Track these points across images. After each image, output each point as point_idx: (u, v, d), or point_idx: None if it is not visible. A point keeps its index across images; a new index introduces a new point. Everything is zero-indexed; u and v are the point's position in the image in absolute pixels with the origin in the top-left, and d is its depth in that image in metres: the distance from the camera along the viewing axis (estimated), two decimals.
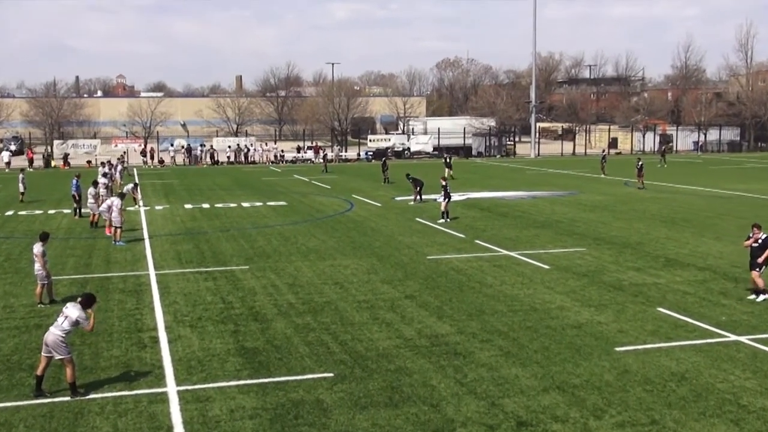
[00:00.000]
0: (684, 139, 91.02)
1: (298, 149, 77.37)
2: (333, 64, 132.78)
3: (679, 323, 16.38)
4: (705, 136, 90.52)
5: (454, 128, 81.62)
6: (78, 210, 33.38)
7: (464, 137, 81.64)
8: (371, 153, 77.68)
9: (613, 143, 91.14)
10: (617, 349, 14.77)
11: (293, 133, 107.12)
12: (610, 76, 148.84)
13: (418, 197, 37.71)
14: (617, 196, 41.00)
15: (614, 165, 63.67)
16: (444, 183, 31.65)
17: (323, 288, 19.76)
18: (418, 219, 32.16)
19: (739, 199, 39.26)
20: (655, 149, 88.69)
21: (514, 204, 37.56)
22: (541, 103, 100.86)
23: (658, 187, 45.62)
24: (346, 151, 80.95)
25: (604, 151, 59.46)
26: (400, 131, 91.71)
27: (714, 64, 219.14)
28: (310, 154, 75.46)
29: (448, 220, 31.15)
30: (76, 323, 12.53)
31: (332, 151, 73.78)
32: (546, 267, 22.19)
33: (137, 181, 42.53)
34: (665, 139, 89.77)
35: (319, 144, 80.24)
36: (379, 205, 37.39)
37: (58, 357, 12.41)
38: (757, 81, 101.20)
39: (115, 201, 27.21)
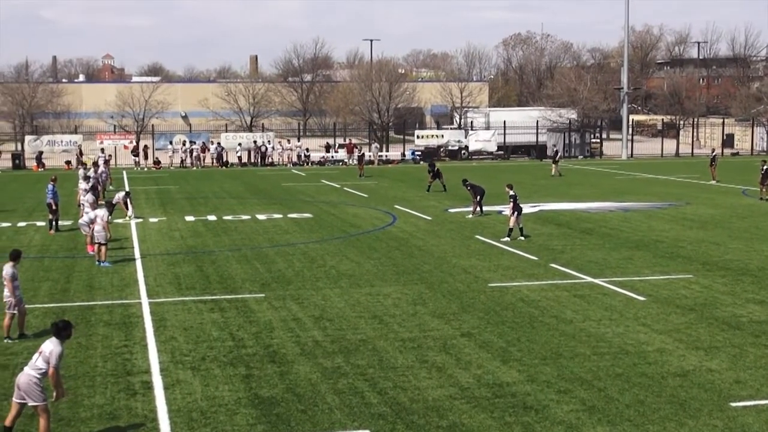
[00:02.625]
0: None
1: (327, 148, 77.85)
2: (371, 41, 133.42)
3: None
4: None
5: (524, 122, 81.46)
6: (54, 222, 33.92)
7: (537, 133, 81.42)
8: (419, 153, 77.83)
9: (727, 141, 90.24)
10: (733, 404, 14.55)
11: (321, 128, 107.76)
12: (724, 55, 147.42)
13: (478, 209, 37.69)
14: (734, 208, 40.54)
15: (729, 168, 62.97)
16: (512, 192, 31.59)
17: (358, 322, 19.80)
18: (477, 236, 32.12)
19: None
20: None
21: (601, 218, 37.32)
22: (635, 90, 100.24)
23: None
24: (387, 151, 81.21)
25: (714, 150, 58.96)
26: (455, 125, 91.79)
27: None
28: (342, 153, 75.86)
29: (521, 237, 31.07)
30: (52, 361, 12.54)
31: (370, 150, 74.08)
32: (641, 298, 21.99)
33: (128, 189, 42.98)
34: None
35: (354, 141, 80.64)
36: (428, 218, 37.43)
37: (31, 403, 12.53)
38: None
39: (100, 213, 27.59)
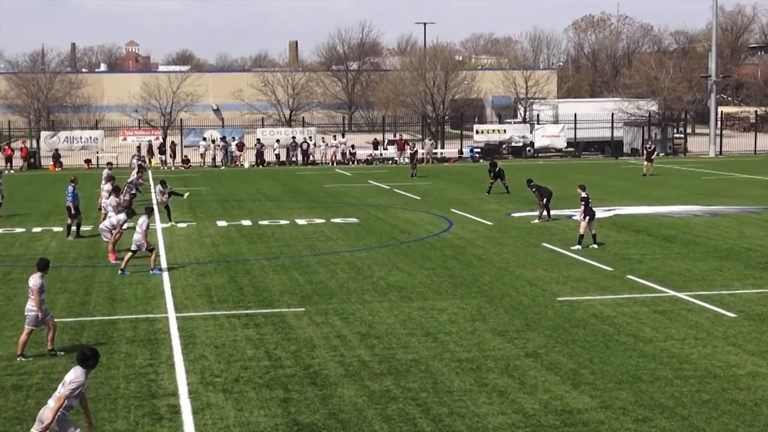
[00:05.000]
0: None
1: (375, 144, 78.06)
2: (425, 24, 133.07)
3: None
4: None
5: (597, 114, 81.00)
6: (71, 228, 34.35)
7: (612, 127, 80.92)
8: (478, 150, 77.74)
9: None
10: None
11: (369, 122, 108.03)
12: None
13: (545, 213, 37.57)
14: None
15: None
16: (584, 194, 31.43)
17: (409, 340, 19.83)
18: (544, 244, 32.02)
19: None
20: None
21: (685, 224, 37.03)
22: (724, 79, 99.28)
23: None
24: (443, 147, 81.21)
25: None
26: (519, 119, 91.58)
27: None
28: (391, 151, 76.00)
29: (594, 245, 30.92)
30: (66, 390, 12.70)
31: (423, 148, 74.16)
32: (731, 315, 21.77)
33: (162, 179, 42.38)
34: None
35: (406, 137, 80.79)
36: (489, 223, 37.39)
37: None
38: None
39: (122, 218, 28.49)
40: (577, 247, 30.86)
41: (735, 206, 42.53)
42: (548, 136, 79.79)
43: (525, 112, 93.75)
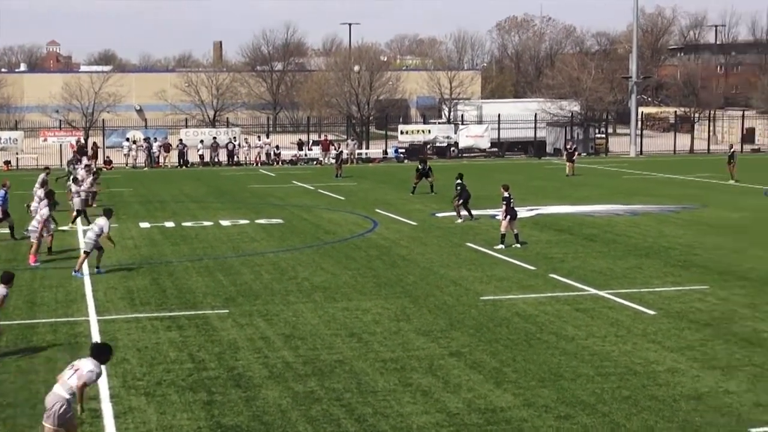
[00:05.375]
0: None
1: (300, 145, 77.92)
2: (350, 25, 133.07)
3: None
4: None
5: (520, 115, 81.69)
6: (7, 231, 33.70)
7: (535, 128, 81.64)
8: (403, 150, 77.93)
9: (747, 136, 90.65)
10: (753, 430, 14.66)
11: (294, 123, 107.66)
12: (744, 40, 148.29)
13: (465, 212, 37.62)
14: (755, 211, 40.78)
15: (750, 167, 63.31)
16: (506, 194, 31.63)
17: (334, 341, 19.82)
18: (468, 244, 32.19)
19: None
20: None
21: (606, 223, 37.47)
22: (644, 80, 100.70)
23: None
24: (367, 148, 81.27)
25: (732, 147, 59.17)
26: (444, 119, 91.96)
27: None
28: (316, 151, 75.87)
29: (517, 245, 31.18)
30: (84, 379, 12.94)
31: (348, 148, 74.17)
32: (651, 312, 22.09)
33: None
34: None
35: (331, 138, 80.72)
36: (413, 223, 37.49)
37: (47, 425, 12.72)
38: None
39: (44, 213, 28.23)
40: (500, 246, 31.07)
41: (655, 205, 43.14)
42: (472, 136, 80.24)
43: (449, 112, 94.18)
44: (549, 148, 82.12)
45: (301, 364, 18.17)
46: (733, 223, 37.14)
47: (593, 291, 24.51)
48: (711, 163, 68.54)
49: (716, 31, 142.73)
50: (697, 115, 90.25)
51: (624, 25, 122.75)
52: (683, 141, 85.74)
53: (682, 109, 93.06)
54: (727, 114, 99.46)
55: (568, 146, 63.41)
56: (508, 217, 31.43)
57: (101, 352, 13.49)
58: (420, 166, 49.14)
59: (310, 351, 19.05)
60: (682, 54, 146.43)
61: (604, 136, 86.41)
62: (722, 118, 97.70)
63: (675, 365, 17.94)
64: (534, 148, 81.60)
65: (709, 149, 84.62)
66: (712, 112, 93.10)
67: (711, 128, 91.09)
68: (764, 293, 24.16)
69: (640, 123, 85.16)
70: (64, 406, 12.69)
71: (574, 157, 61.42)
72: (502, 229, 31.55)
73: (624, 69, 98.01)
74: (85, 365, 13.10)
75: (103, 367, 13.52)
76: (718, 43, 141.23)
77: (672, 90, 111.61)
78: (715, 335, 20.10)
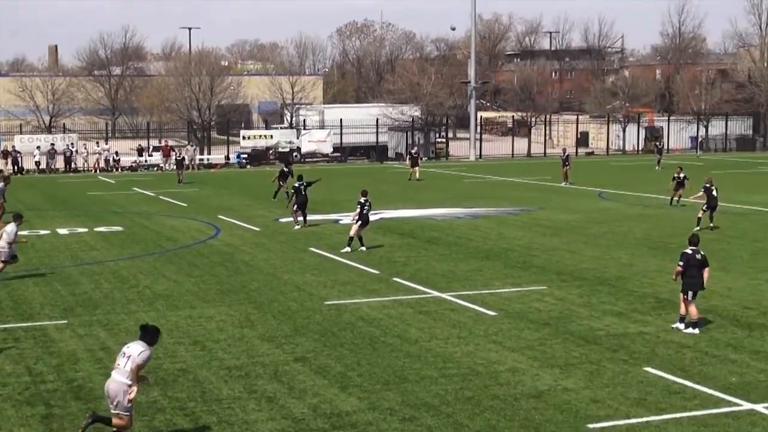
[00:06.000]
0: (678, 134, 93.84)
1: (140, 151, 76.65)
2: (190, 29, 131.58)
3: (673, 388, 16.83)
4: (706, 130, 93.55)
5: (362, 120, 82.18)
6: None
7: (377, 132, 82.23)
8: (245, 156, 77.47)
9: (582, 139, 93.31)
10: (590, 426, 15.05)
11: (133, 128, 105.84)
12: (577, 47, 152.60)
13: (300, 218, 37.05)
14: (589, 213, 41.95)
15: (584, 169, 65.15)
16: (362, 199, 31.75)
17: (176, 349, 19.54)
18: (312, 249, 32.20)
19: (753, 216, 40.64)
20: (640, 147, 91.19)
21: (447, 226, 37.98)
22: (483, 85, 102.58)
23: (645, 200, 46.87)
24: (209, 153, 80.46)
25: (566, 150, 60.73)
26: (286, 124, 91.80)
27: (717, 30, 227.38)
28: (157, 157, 74.75)
29: (363, 248, 31.40)
30: (138, 361, 13.68)
31: (189, 154, 73.29)
32: (492, 314, 22.47)
33: None
34: (653, 134, 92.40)
35: (171, 143, 79.61)
36: (256, 229, 37.29)
37: (114, 411, 13.61)
38: None
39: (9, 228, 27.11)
40: (346, 249, 31.19)
41: (494, 208, 43.96)
42: (315, 141, 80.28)
43: (291, 117, 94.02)
44: (391, 153, 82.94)
45: (143, 373, 17.84)
46: (569, 224, 38.13)
47: (436, 293, 24.81)
48: (547, 166, 70.25)
49: (551, 37, 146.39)
50: (533, 119, 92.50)
51: (462, 31, 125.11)
52: (521, 145, 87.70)
53: (520, 113, 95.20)
54: (563, 118, 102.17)
55: (413, 151, 64.07)
56: (359, 222, 31.57)
57: (148, 334, 14.08)
58: (285, 169, 48.70)
59: (152, 360, 18.71)
60: (519, 59, 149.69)
61: (444, 140, 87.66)
62: (558, 122, 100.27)
63: (515, 365, 18.30)
64: (376, 152, 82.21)
65: (545, 153, 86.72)
66: (547, 116, 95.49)
67: (547, 132, 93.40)
68: (599, 293, 24.89)
69: (479, 127, 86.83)
70: (124, 388, 13.55)
71: (419, 162, 62.13)
72: (352, 233, 31.69)
73: (463, 74, 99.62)
74: (136, 349, 13.78)
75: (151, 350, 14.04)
76: (552, 49, 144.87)
77: (509, 95, 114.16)
78: (553, 334, 20.60)
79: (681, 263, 20.82)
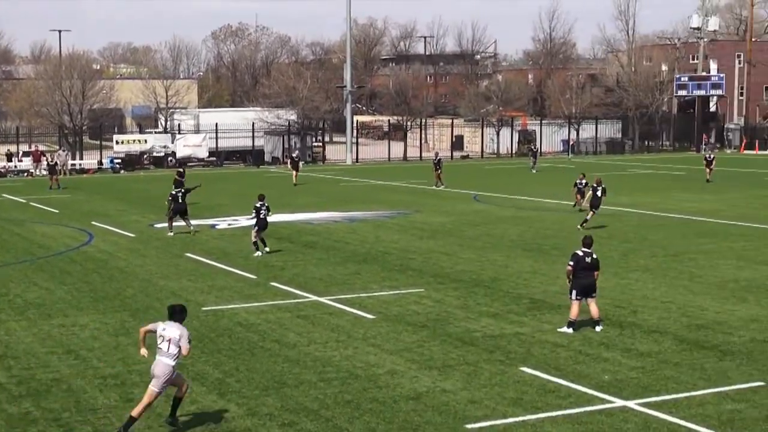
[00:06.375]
0: (550, 137, 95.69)
1: (10, 156, 74.82)
2: (60, 32, 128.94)
3: (548, 387, 17.11)
4: (577, 133, 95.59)
5: (238, 124, 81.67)
6: None
7: (253, 137, 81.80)
8: (119, 161, 76.29)
9: (456, 143, 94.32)
10: (468, 426, 15.19)
11: (2, 133, 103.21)
12: (451, 52, 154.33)
13: (182, 224, 36.79)
14: (465, 215, 42.41)
15: (459, 172, 65.88)
16: (258, 204, 31.58)
17: (49, 359, 19.10)
18: (188, 254, 31.85)
19: (623, 216, 41.61)
20: (513, 151, 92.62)
21: (324, 230, 37.98)
22: (358, 89, 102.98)
23: (518, 203, 47.61)
24: (81, 158, 78.96)
25: (438, 154, 61.13)
26: (160, 129, 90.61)
27: (587, 36, 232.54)
28: (27, 162, 73.05)
29: (259, 252, 31.37)
30: (185, 343, 14.78)
31: (61, 159, 71.79)
32: (370, 317, 22.54)
33: None
34: (526, 137, 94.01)
35: (42, 148, 77.90)
36: (131, 235, 36.73)
37: (151, 385, 14.69)
38: (642, 59, 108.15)
39: None
40: (257, 254, 31.22)
41: (371, 211, 44.13)
42: (190, 145, 79.53)
43: (166, 121, 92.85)
44: (267, 157, 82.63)
45: (14, 384, 17.41)
46: (445, 227, 38.49)
47: (314, 298, 24.79)
48: (423, 169, 70.76)
49: (425, 42, 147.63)
50: (409, 123, 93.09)
51: (338, 35, 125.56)
52: (397, 148, 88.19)
53: (395, 117, 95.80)
54: (438, 122, 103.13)
55: (294, 155, 63.85)
56: (257, 226, 31.39)
57: (177, 313, 15.29)
58: (177, 177, 47.89)
59: (24, 371, 18.28)
60: (394, 64, 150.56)
61: (321, 144, 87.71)
62: (433, 126, 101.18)
63: (394, 367, 18.38)
64: (252, 156, 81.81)
65: (421, 156, 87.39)
66: (423, 120, 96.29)
67: (422, 136, 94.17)
68: (475, 294, 25.17)
69: (355, 131, 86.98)
70: (169, 369, 14.64)
71: (299, 166, 61.96)
72: (253, 238, 31.56)
73: (339, 78, 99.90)
74: (172, 332, 14.88)
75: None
76: (427, 53, 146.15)
77: (385, 99, 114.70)
78: (431, 336, 20.75)
79: (570, 263, 21.21)
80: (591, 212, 37.05)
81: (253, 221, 31.86)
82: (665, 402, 16.20)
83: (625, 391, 16.83)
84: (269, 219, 32.26)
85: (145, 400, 14.65)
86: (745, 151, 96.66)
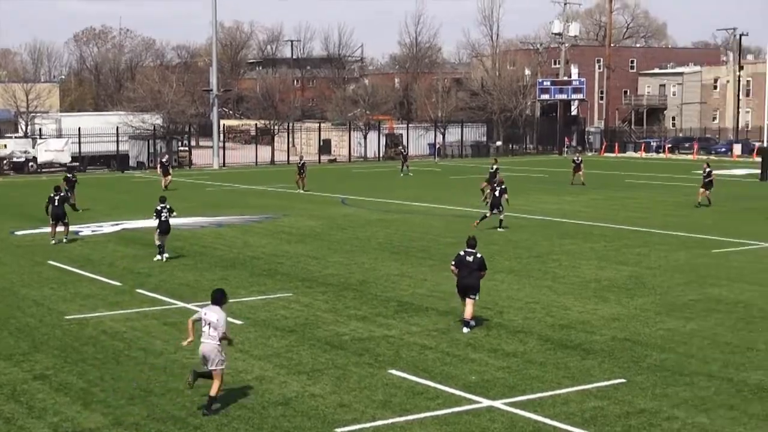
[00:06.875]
0: (417, 140, 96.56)
1: None
2: None
3: (417, 389, 17.25)
4: (443, 137, 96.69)
5: (102, 128, 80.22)
6: None
7: (118, 141, 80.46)
8: None
9: (324, 147, 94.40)
10: (338, 430, 15.22)
11: None
12: (318, 55, 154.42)
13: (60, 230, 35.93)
14: (333, 219, 42.48)
15: (327, 176, 65.96)
16: (161, 206, 31.09)
17: None
18: (51, 262, 31.14)
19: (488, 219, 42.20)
20: (381, 154, 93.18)
21: (192, 235, 37.61)
22: (225, 93, 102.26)
23: (386, 206, 47.90)
24: None
25: (301, 158, 60.99)
26: (21, 133, 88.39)
27: (452, 40, 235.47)
28: None
29: (159, 257, 31.09)
30: (222, 326, 16.02)
31: None
32: (238, 322, 22.38)
33: None
34: (393, 141, 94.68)
35: None
36: None
37: (211, 368, 16.03)
38: (506, 63, 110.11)
39: None
40: (158, 257, 30.98)
41: (239, 216, 43.86)
42: (52, 150, 77.71)
43: (26, 126, 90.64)
44: (132, 162, 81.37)
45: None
46: (314, 231, 38.49)
47: (181, 304, 24.50)
48: (291, 173, 70.44)
49: (292, 45, 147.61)
50: (276, 127, 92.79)
51: (204, 38, 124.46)
52: (264, 153, 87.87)
53: (263, 121, 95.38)
54: (305, 126, 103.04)
55: (164, 159, 62.81)
56: (158, 230, 31.06)
57: (217, 296, 16.46)
58: (69, 175, 46.66)
59: None
60: (261, 68, 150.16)
61: (187, 148, 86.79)
62: (300, 130, 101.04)
63: (263, 373, 18.29)
64: (117, 161, 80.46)
65: (288, 160, 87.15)
66: (290, 124, 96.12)
67: (290, 140, 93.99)
68: (344, 298, 25.24)
69: (222, 135, 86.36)
70: (216, 349, 16.01)
71: (170, 170, 61.00)
72: (156, 242, 31.27)
73: (205, 82, 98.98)
74: (212, 316, 16.11)
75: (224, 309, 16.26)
76: (294, 57, 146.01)
77: (252, 103, 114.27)
78: (300, 341, 20.72)
79: (453, 263, 21.71)
80: (489, 212, 37.78)
81: (155, 224, 31.37)
82: (531, 401, 16.51)
83: (492, 391, 17.08)
84: (172, 222, 31.90)
85: (217, 381, 16.05)
86: (605, 154, 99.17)
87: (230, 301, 24.40)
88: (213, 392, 16.00)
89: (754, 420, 15.52)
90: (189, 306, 24.15)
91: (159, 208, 31.31)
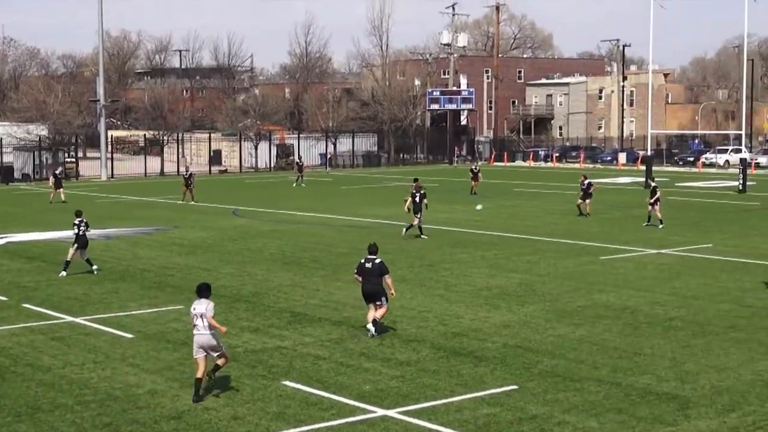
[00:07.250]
0: (308, 150, 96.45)
1: None
2: None
3: (311, 399, 17.19)
4: (335, 147, 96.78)
5: None
6: None
7: (1, 153, 78.67)
8: None
9: (215, 157, 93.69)
10: None
11: None
12: (208, 65, 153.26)
13: None
14: (224, 230, 42.17)
15: (218, 187, 65.43)
16: (77, 221, 30.43)
17: None
18: None
19: (381, 228, 42.39)
20: (272, 165, 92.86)
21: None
22: (113, 103, 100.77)
23: (277, 216, 47.73)
24: None
25: (188, 169, 60.41)
26: None
27: (342, 50, 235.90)
28: None
29: (95, 268, 30.78)
30: (210, 313, 17.03)
31: None
32: (129, 336, 22.05)
33: None
34: (285, 151, 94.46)
35: None
36: None
37: (215, 354, 17.28)
38: (395, 73, 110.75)
39: None
40: (62, 273, 30.29)
41: (128, 228, 43.25)
42: None
43: None
44: (17, 174, 79.63)
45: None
46: (205, 242, 38.16)
47: (69, 318, 24.03)
48: (180, 185, 69.90)
49: (181, 55, 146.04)
50: (165, 137, 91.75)
51: (90, 47, 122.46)
52: (154, 164, 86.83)
53: (151, 132, 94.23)
54: (195, 136, 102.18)
55: (57, 171, 61.63)
56: (76, 245, 30.45)
57: (203, 290, 17.38)
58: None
59: None
60: (149, 78, 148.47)
61: (74, 160, 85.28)
62: (190, 140, 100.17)
63: (155, 387, 18.04)
64: (1, 173, 78.66)
65: (178, 171, 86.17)
66: (180, 134, 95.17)
67: (180, 150, 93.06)
68: (236, 309, 25.06)
69: (110, 146, 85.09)
70: (215, 339, 17.11)
71: (62, 182, 59.80)
72: (68, 257, 30.60)
73: (92, 92, 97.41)
74: (200, 308, 17.04)
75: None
76: (183, 67, 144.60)
77: (141, 113, 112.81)
78: (192, 354, 20.45)
79: (356, 271, 21.95)
80: (415, 218, 38.32)
81: (72, 238, 30.73)
82: (424, 409, 16.58)
83: (386, 400, 17.12)
84: (60, 234, 31.27)
85: (223, 358, 17.43)
86: (495, 163, 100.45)
87: (120, 314, 24.23)
88: (221, 363, 17.52)
89: (642, 423, 15.83)
90: (77, 320, 23.71)
91: (77, 222, 30.77)
